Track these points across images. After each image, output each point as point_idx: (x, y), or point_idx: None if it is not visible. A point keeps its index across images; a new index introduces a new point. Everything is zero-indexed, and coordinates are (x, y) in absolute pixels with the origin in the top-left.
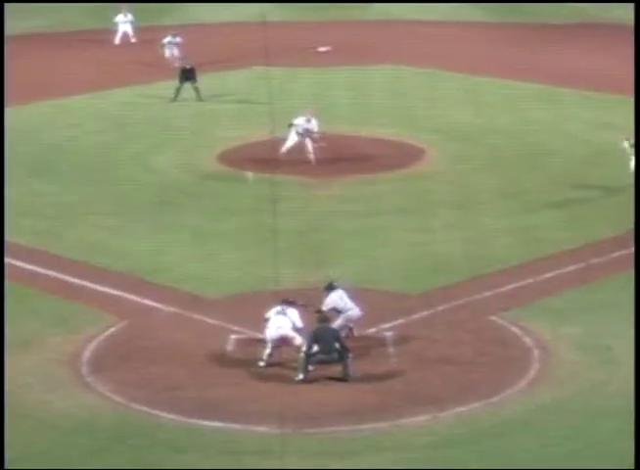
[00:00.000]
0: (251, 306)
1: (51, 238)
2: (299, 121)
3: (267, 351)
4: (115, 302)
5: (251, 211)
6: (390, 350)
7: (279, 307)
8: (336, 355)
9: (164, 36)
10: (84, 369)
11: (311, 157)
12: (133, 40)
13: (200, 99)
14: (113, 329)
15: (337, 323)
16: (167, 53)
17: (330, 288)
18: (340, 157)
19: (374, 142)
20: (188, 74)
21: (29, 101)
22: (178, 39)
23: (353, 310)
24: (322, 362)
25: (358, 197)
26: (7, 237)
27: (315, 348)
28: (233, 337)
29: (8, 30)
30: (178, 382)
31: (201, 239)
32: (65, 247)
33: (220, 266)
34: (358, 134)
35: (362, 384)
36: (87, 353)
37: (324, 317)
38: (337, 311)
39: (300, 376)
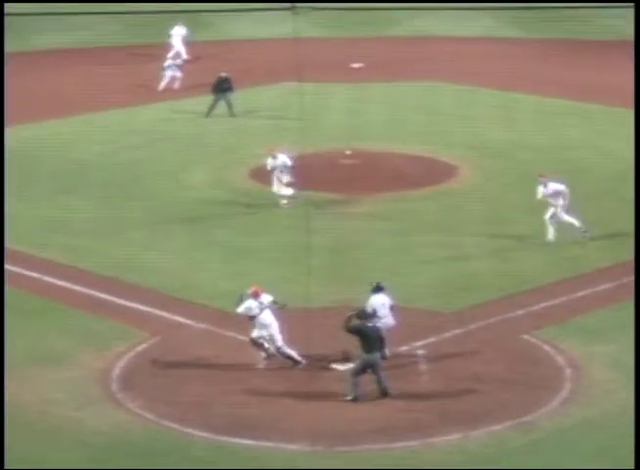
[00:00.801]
0: (283, 324)
1: (82, 254)
2: (271, 162)
3: (266, 345)
4: (146, 318)
5: (284, 228)
6: (422, 367)
7: (256, 302)
8: (378, 356)
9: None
10: (115, 386)
11: (287, 193)
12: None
13: (232, 114)
14: (143, 346)
15: None
16: (168, 76)
17: (377, 290)
18: (372, 173)
19: (407, 159)
20: (224, 85)
21: (62, 115)
22: (179, 60)
23: (388, 318)
24: (364, 369)
25: (391, 214)
26: (37, 253)
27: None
28: (264, 354)
29: (41, 44)
30: (209, 399)
31: (233, 256)
32: (95, 263)
33: (252, 283)
34: (391, 151)
35: (394, 402)
36: (117, 370)
37: (366, 313)
38: (369, 317)
39: (352, 396)
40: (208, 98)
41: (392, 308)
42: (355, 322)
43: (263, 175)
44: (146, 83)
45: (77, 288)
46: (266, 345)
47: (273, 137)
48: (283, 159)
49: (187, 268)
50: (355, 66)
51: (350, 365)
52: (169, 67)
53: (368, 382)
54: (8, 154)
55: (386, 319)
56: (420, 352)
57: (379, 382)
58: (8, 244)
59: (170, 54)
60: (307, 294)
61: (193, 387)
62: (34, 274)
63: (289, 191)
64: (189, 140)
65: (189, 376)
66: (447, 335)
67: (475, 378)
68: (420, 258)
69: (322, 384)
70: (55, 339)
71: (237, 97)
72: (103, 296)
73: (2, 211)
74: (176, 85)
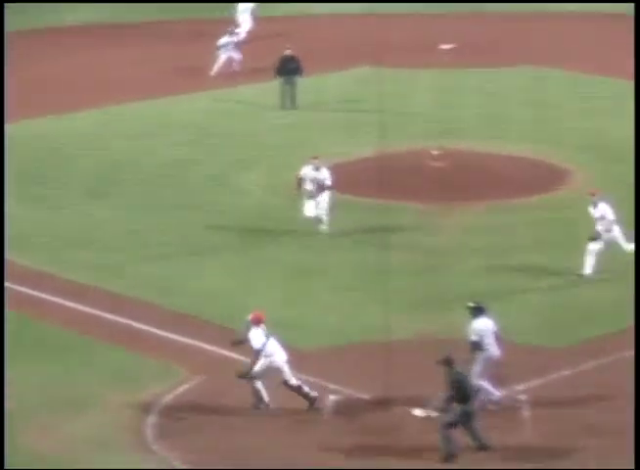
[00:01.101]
0: (355, 361)
1: (111, 274)
2: (311, 174)
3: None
4: (188, 353)
5: (356, 243)
6: (525, 415)
7: (260, 330)
8: (473, 406)
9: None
10: (149, 434)
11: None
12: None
13: (294, 106)
14: (184, 386)
15: (475, 369)
16: (223, 57)
17: (478, 312)
18: (465, 178)
19: (508, 161)
20: (289, 65)
21: (93, 106)
22: (236, 38)
23: (493, 348)
24: (459, 421)
25: (487, 228)
26: (59, 272)
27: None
28: (331, 397)
29: (62, 21)
30: (261, 451)
31: (294, 277)
32: (128, 285)
33: (317, 311)
34: (488, 151)
35: (492, 455)
36: (153, 416)
37: (450, 360)
38: (476, 348)
39: (445, 453)
40: (268, 85)
41: (497, 336)
42: (452, 374)
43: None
44: (191, 69)
45: (106, 316)
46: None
47: (344, 133)
48: (325, 175)
49: (238, 292)
50: (445, 47)
51: (434, 413)
52: (225, 46)
53: (460, 434)
54: (25, 150)
55: (492, 349)
56: (522, 396)
57: (474, 434)
58: (24, 261)
59: (236, 30)
60: (384, 324)
61: (243, 436)
62: (56, 299)
63: (312, 212)
64: (242, 137)
65: (237, 424)
66: (554, 376)
67: (588, 429)
68: (522, 282)
69: (404, 436)
70: (80, 377)
71: (300, 85)
72: (136, 325)
73: (2, 213)
74: (236, 67)
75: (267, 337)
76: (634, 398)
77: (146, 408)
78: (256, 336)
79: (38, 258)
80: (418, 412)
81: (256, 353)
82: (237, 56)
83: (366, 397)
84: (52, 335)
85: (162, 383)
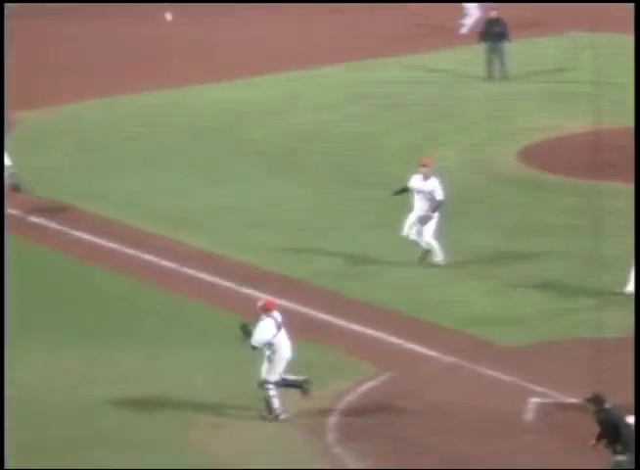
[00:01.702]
0: (560, 359)
1: (291, 258)
2: (417, 184)
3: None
4: (375, 347)
5: (565, 228)
6: None
7: (271, 320)
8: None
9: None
10: (331, 437)
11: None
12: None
13: (502, 75)
14: (370, 384)
15: None
16: (473, 16)
17: None
18: None
19: None
20: (495, 28)
21: (266, 71)
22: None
23: None
24: None
25: None
26: (231, 253)
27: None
28: (533, 400)
29: None
30: (463, 459)
31: (492, 265)
32: (311, 271)
33: (518, 303)
34: None
35: None
36: (335, 416)
37: (600, 398)
38: None
39: None
40: (469, 51)
41: None
42: (601, 415)
43: (537, 157)
44: (380, 31)
45: (283, 303)
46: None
47: (553, 106)
48: (433, 186)
49: (431, 280)
50: None
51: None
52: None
53: None
54: (198, 122)
55: None
56: None
57: None
58: (196, 243)
59: None
60: (596, 320)
61: (435, 441)
62: (228, 284)
63: (411, 234)
64: (437, 108)
65: (431, 426)
66: None
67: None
68: None
69: None
70: (255, 371)
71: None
72: (319, 315)
73: (2, 209)
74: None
75: (279, 328)
76: (634, 398)
77: (328, 408)
78: (267, 326)
79: (211, 239)
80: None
81: (267, 346)
82: (477, 14)
83: (573, 400)
84: (214, 325)
85: (346, 379)
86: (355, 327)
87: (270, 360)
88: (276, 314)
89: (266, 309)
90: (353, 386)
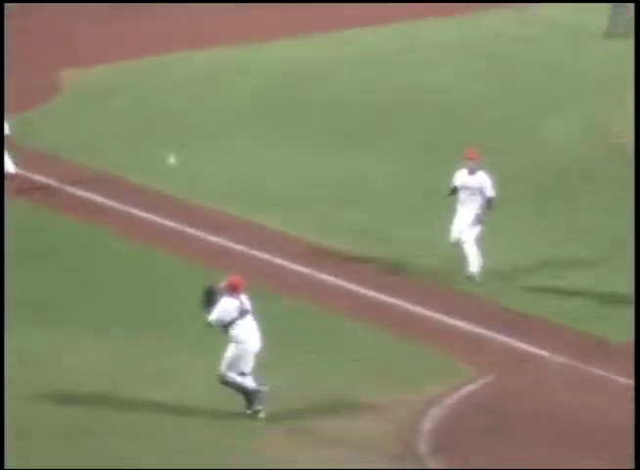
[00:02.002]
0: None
1: (374, 239)
2: (462, 179)
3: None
4: (475, 346)
5: None
6: None
7: (235, 301)
8: None
9: None
10: (423, 445)
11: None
12: None
13: (627, 30)
14: (470, 387)
15: None
16: None
17: None
18: None
19: None
20: None
21: (356, 25)
22: None
23: None
24: None
25: None
26: (314, 237)
27: None
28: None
29: None
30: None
31: (606, 251)
32: (395, 249)
33: (629, 296)
34: None
35: None
36: (428, 423)
37: None
38: None
39: None
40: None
41: None
42: None
43: None
44: None
45: (369, 293)
46: (238, 379)
47: None
48: (481, 180)
49: (527, 270)
50: None
51: None
52: None
53: None
54: (257, 84)
55: None
56: None
57: None
58: (267, 221)
59: None
60: None
61: (543, 452)
62: (300, 268)
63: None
64: (551, 69)
65: (538, 434)
66: None
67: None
68: None
69: None
70: (337, 369)
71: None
72: (410, 307)
73: (2, 207)
74: None
75: (242, 314)
76: (634, 398)
77: (420, 414)
78: (229, 306)
79: (285, 217)
80: None
81: (222, 330)
82: None
83: None
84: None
85: (441, 382)
86: (451, 321)
87: (233, 351)
88: (244, 298)
89: (231, 289)
90: (450, 389)
